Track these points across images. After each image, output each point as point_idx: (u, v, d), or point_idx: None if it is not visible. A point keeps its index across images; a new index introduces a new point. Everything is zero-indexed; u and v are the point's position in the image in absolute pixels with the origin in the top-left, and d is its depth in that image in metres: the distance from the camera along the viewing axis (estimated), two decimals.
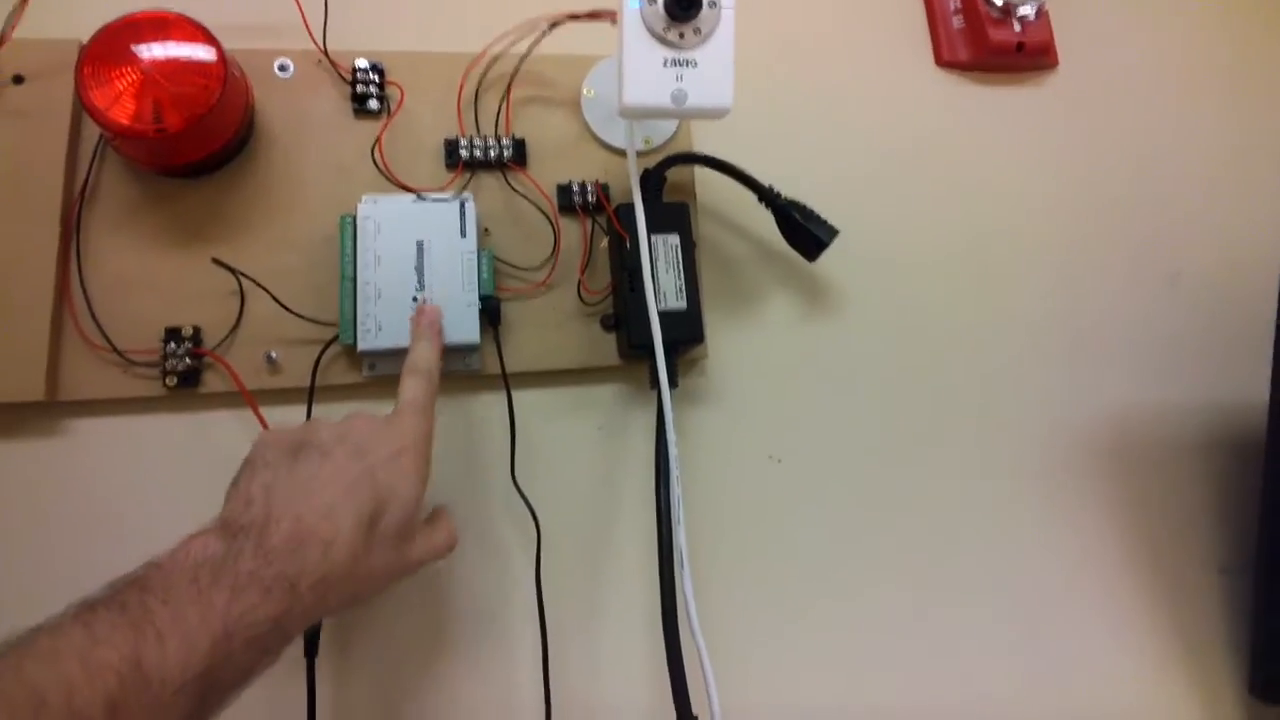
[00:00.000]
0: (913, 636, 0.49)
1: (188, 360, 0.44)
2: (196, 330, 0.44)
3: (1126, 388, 0.56)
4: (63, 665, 0.26)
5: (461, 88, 0.50)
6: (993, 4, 0.62)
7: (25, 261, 0.43)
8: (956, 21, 0.62)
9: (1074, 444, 0.54)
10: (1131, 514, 0.54)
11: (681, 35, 0.44)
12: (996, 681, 0.50)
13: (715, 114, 0.45)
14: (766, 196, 0.50)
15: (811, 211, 0.50)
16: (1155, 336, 0.58)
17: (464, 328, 0.46)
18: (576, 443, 0.48)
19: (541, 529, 0.45)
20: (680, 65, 0.44)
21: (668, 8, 0.43)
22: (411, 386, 0.39)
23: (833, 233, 0.50)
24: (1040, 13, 0.63)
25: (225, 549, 0.31)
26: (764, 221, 0.51)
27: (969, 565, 0.51)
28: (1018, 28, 0.62)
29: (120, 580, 0.29)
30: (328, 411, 0.45)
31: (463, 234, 0.47)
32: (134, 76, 0.43)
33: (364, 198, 0.46)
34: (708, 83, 0.44)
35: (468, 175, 0.50)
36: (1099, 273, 0.58)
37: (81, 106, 0.43)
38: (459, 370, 0.47)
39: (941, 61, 0.62)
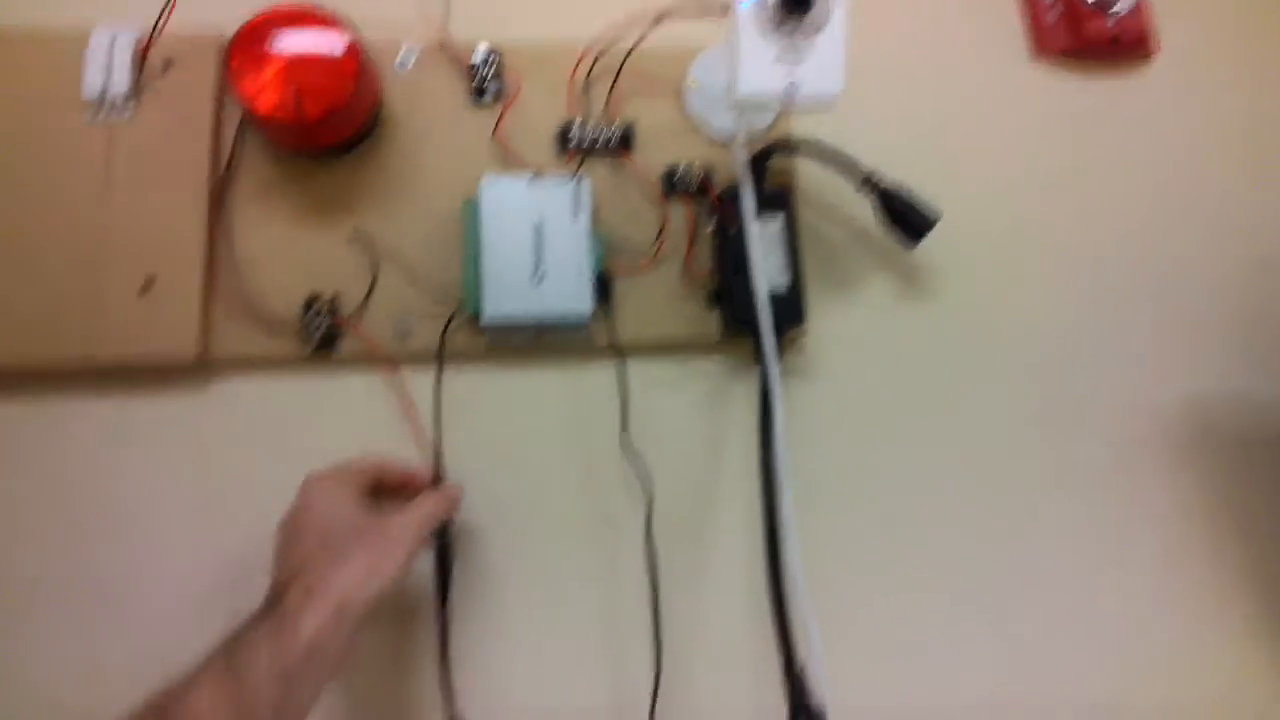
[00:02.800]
0: (1012, 613, 0.50)
1: (326, 326, 0.47)
2: (334, 298, 0.47)
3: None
4: None
5: (573, 76, 0.53)
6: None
7: (178, 233, 0.47)
8: (1052, 15, 0.63)
9: (1171, 429, 0.55)
10: (1224, 508, 0.54)
11: (795, 29, 0.46)
12: (1092, 672, 0.50)
13: (827, 103, 0.47)
14: (866, 182, 0.52)
15: (911, 197, 0.51)
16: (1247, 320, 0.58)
17: (578, 301, 0.48)
18: (681, 413, 0.50)
19: (653, 489, 0.47)
20: (793, 57, 0.46)
21: (783, 1, 0.45)
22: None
23: (933, 219, 0.51)
24: (1136, 6, 0.63)
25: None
26: (863, 207, 0.52)
27: (1069, 547, 0.52)
28: (1113, 20, 0.62)
29: None
30: (456, 379, 0.48)
31: (576, 215, 0.49)
32: (277, 68, 0.46)
33: (485, 178, 0.49)
34: (820, 74, 0.46)
35: (579, 160, 0.52)
36: (1190, 259, 0.58)
37: (225, 92, 0.47)
38: (572, 341, 0.49)
39: (1038, 53, 0.62)
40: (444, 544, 0.45)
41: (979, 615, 0.50)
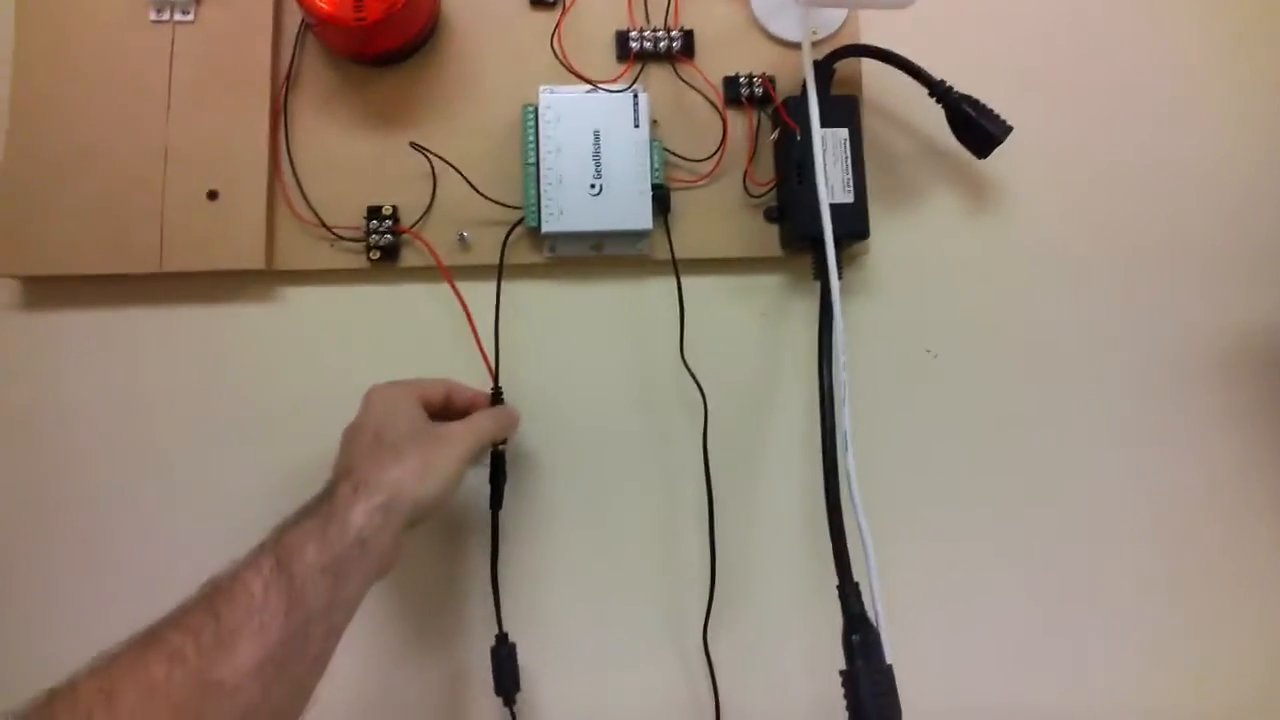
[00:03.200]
0: (1068, 535, 0.50)
1: (389, 237, 0.47)
2: (395, 209, 0.48)
3: None
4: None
5: None
6: None
7: (241, 142, 0.47)
8: None
9: (1234, 356, 0.53)
10: None
11: None
12: (1144, 605, 0.50)
13: (899, 4, 0.45)
14: (938, 90, 0.49)
15: (984, 106, 0.49)
16: None
17: (637, 214, 0.47)
18: (740, 327, 0.50)
19: (708, 405, 0.47)
20: None
21: None
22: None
23: (1006, 129, 0.49)
24: None
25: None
26: (931, 117, 0.50)
27: (1120, 476, 0.51)
28: None
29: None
30: (515, 290, 0.48)
31: (635, 124, 0.48)
32: None
33: (542, 88, 0.48)
34: None
35: (638, 66, 0.51)
36: (1273, 181, 0.55)
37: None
38: (630, 254, 0.49)
39: None
40: (498, 456, 0.46)
41: (1033, 541, 0.50)
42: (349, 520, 0.34)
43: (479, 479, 0.46)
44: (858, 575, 0.42)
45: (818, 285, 0.48)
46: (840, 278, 0.46)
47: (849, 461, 0.43)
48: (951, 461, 0.50)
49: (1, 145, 0.46)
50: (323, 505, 0.35)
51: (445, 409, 0.44)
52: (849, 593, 0.41)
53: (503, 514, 0.46)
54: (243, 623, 0.30)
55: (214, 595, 0.31)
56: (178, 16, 0.48)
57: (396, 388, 0.42)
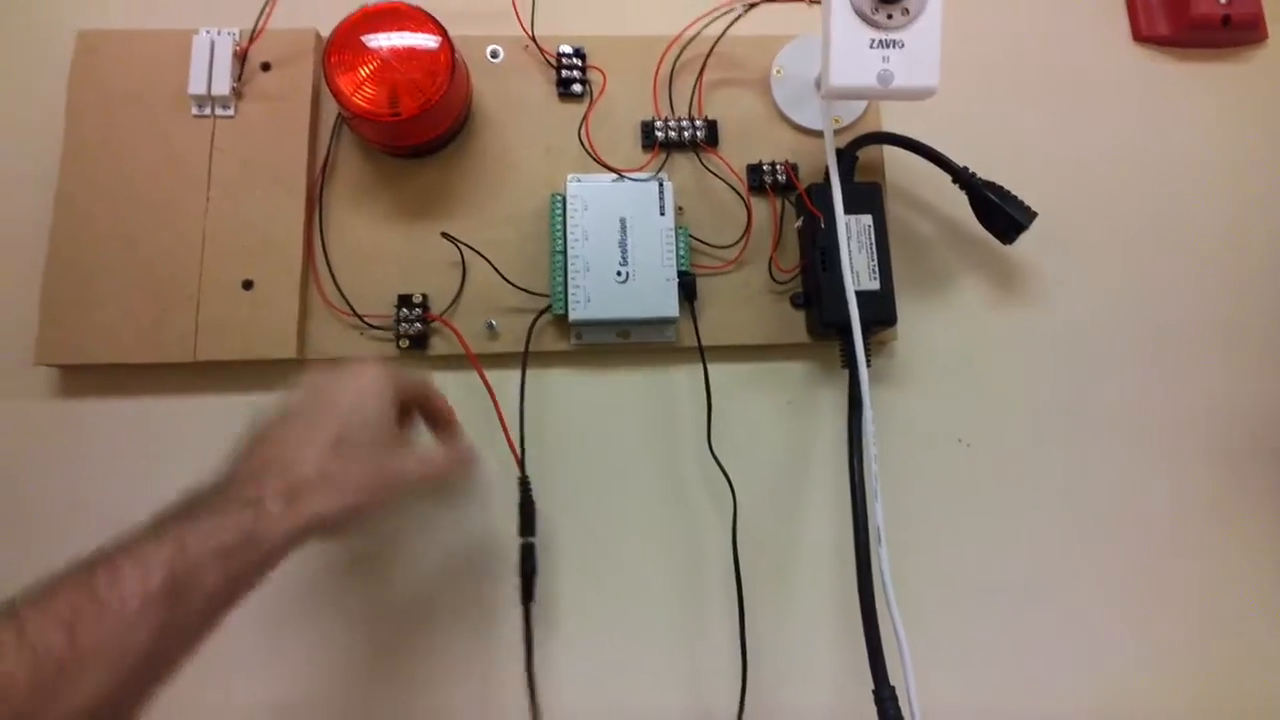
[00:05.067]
0: (1110, 633, 0.49)
1: (418, 325, 0.48)
2: (425, 297, 0.48)
3: None
4: (21, 613, 0.27)
5: (658, 71, 0.52)
6: None
7: (277, 233, 0.48)
8: None
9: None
10: None
11: (889, 16, 0.44)
12: (1180, 679, 0.48)
13: (922, 95, 0.46)
14: (961, 177, 0.50)
15: (1008, 192, 0.50)
16: None
17: (663, 302, 0.48)
18: (767, 416, 0.50)
19: (737, 497, 0.46)
20: (887, 46, 0.44)
21: None
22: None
23: (1031, 215, 0.49)
24: None
25: (188, 500, 0.33)
26: (955, 203, 0.51)
27: (1159, 560, 0.50)
28: (1223, 0, 0.59)
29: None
30: (541, 378, 0.48)
31: (661, 212, 0.49)
32: (373, 64, 0.47)
33: (570, 177, 0.49)
34: (915, 63, 0.44)
35: (663, 155, 0.52)
36: None
37: (324, 90, 0.47)
38: (656, 343, 0.49)
39: (1140, 37, 0.59)
40: (528, 548, 0.45)
41: (1072, 634, 0.48)
42: (270, 541, 0.32)
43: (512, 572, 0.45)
44: (893, 677, 0.41)
45: (845, 373, 0.48)
46: (869, 366, 0.46)
47: (882, 558, 0.43)
48: (988, 555, 0.49)
49: (46, 236, 0.48)
50: (243, 512, 0.32)
51: (419, 409, 0.42)
52: (885, 697, 0.40)
53: (542, 599, 0.45)
54: (104, 643, 0.28)
55: (91, 586, 0.28)
56: (219, 111, 0.50)
57: (379, 380, 0.38)
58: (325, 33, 0.47)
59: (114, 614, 0.28)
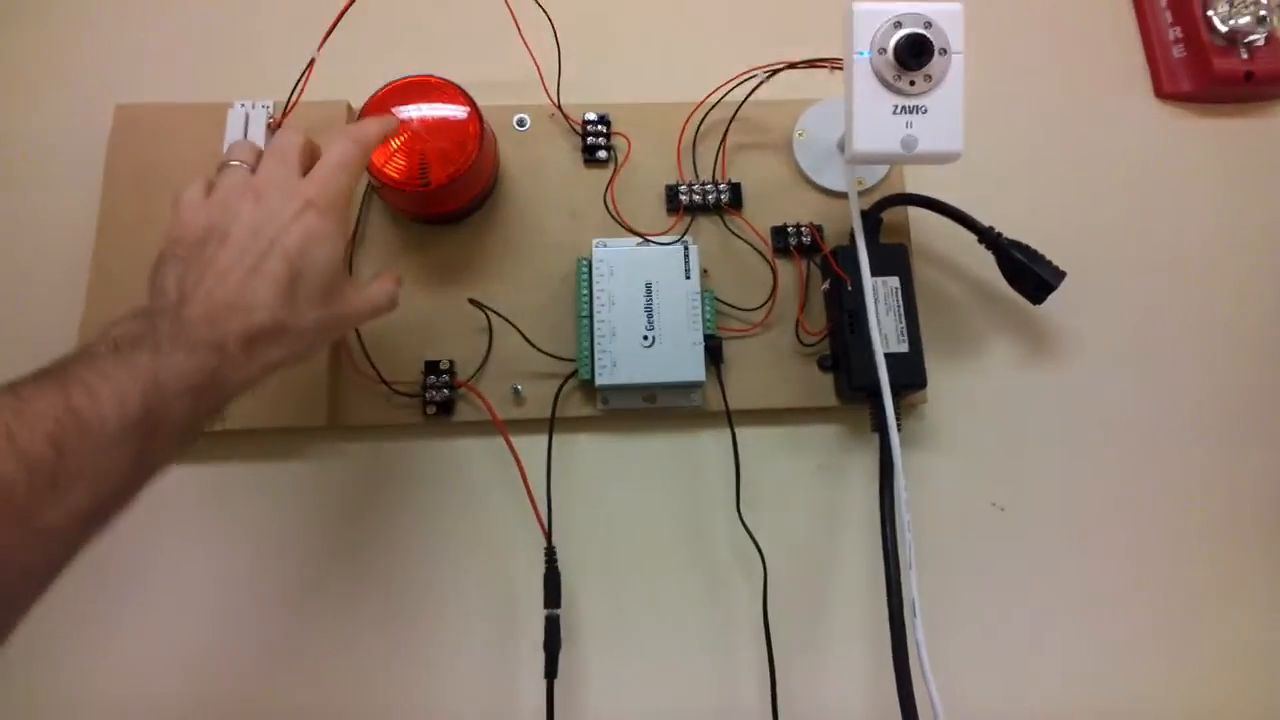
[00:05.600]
0: (1158, 699, 0.47)
1: (445, 391, 0.48)
2: (451, 363, 0.48)
3: None
4: (4, 418, 0.27)
5: (681, 136, 0.53)
6: (1216, 32, 0.59)
7: None
8: (1177, 51, 0.60)
9: None
10: None
11: (912, 82, 0.44)
12: None
13: (946, 159, 0.46)
14: (988, 237, 0.50)
15: (1036, 252, 0.49)
16: None
17: (689, 366, 0.47)
18: (796, 481, 0.49)
19: (767, 565, 0.46)
20: (910, 112, 0.45)
21: (899, 56, 0.44)
22: (336, 147, 0.38)
23: (1060, 275, 0.49)
24: (1271, 38, 0.59)
25: (144, 327, 0.32)
26: (982, 263, 0.51)
27: (1211, 626, 0.48)
28: (1245, 55, 0.59)
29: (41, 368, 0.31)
30: (568, 443, 0.48)
31: (687, 275, 0.49)
32: (404, 136, 0.47)
33: (595, 241, 0.50)
34: (938, 128, 0.45)
35: (688, 219, 0.52)
36: None
37: None
38: (683, 407, 0.49)
39: (1162, 94, 0.59)
40: (552, 621, 0.44)
41: (1124, 708, 0.47)
42: (231, 384, 0.33)
43: (535, 643, 0.44)
44: None
45: (875, 436, 0.47)
46: (899, 430, 0.45)
47: (918, 630, 0.41)
48: (1026, 626, 0.48)
49: (82, 301, 0.48)
50: (209, 356, 0.32)
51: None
52: None
53: (565, 675, 0.44)
54: (88, 463, 0.28)
55: (69, 403, 0.28)
56: None
57: (323, 227, 0.36)
58: (357, 104, 0.48)
59: (96, 436, 0.29)
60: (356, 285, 0.39)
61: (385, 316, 0.46)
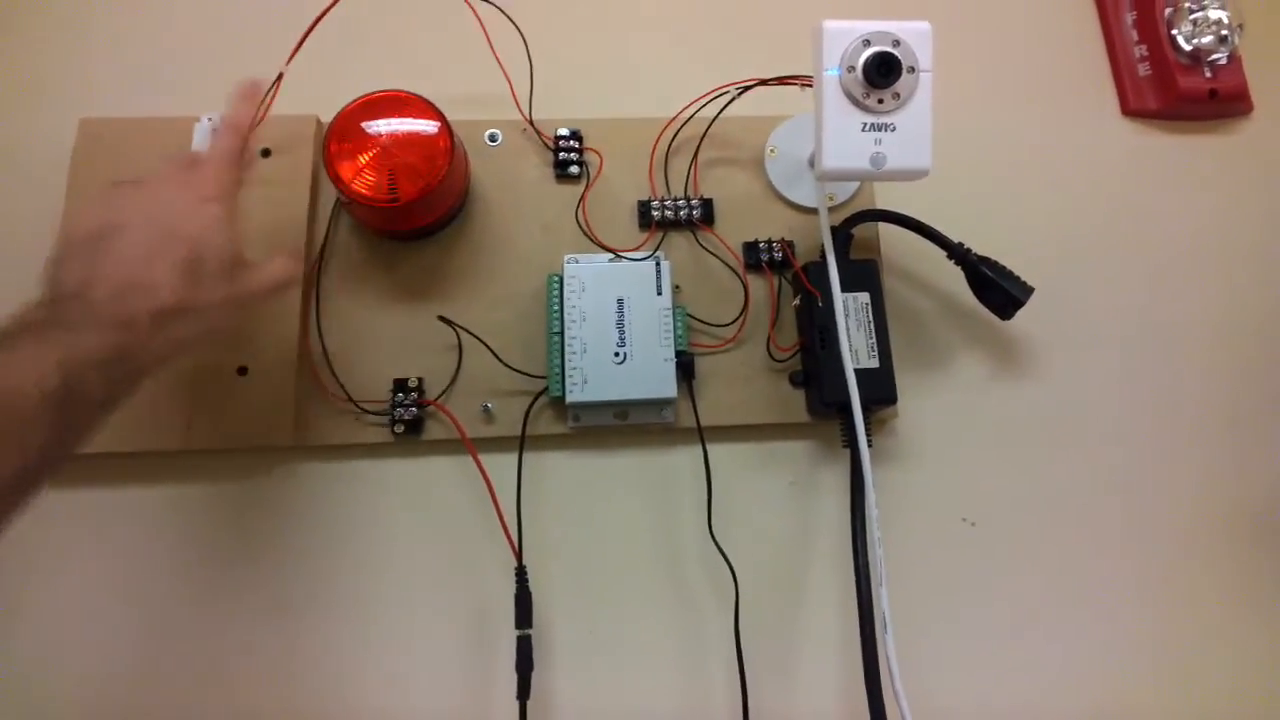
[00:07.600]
0: (1124, 713, 0.47)
1: (414, 410, 0.47)
2: (420, 381, 0.48)
3: None
4: None
5: (653, 151, 0.53)
6: (1181, 50, 0.60)
7: (273, 318, 0.48)
8: (1142, 69, 0.61)
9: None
10: None
11: (880, 100, 0.45)
12: None
13: (914, 176, 0.46)
14: (957, 253, 0.50)
15: (1004, 268, 0.50)
16: None
17: (661, 382, 0.47)
18: (768, 497, 0.49)
19: (739, 583, 0.45)
20: (879, 129, 0.45)
21: (867, 74, 0.44)
22: (223, 142, 0.42)
23: (1028, 290, 0.49)
24: (1233, 57, 0.60)
25: (52, 311, 0.34)
26: (952, 279, 0.51)
27: (1178, 640, 0.49)
28: (1209, 73, 0.60)
29: None
30: (539, 461, 0.48)
31: (659, 291, 0.49)
32: (373, 151, 0.47)
33: (567, 257, 0.49)
34: (906, 146, 0.45)
35: (660, 235, 0.52)
36: None
37: (324, 175, 0.48)
38: (655, 424, 0.49)
39: (1128, 110, 0.60)
40: (524, 641, 0.44)
41: (1080, 709, 0.47)
42: (141, 360, 0.35)
43: (507, 664, 0.44)
44: None
45: (847, 451, 0.47)
46: (870, 445, 0.46)
47: (889, 646, 0.41)
48: (996, 640, 0.48)
49: None
50: (119, 332, 0.34)
51: None
52: None
53: (538, 695, 0.43)
54: (10, 432, 0.30)
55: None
56: None
57: (216, 217, 0.39)
58: (325, 119, 0.48)
59: (15, 407, 0.31)
60: (256, 265, 0.41)
61: (352, 333, 0.46)
